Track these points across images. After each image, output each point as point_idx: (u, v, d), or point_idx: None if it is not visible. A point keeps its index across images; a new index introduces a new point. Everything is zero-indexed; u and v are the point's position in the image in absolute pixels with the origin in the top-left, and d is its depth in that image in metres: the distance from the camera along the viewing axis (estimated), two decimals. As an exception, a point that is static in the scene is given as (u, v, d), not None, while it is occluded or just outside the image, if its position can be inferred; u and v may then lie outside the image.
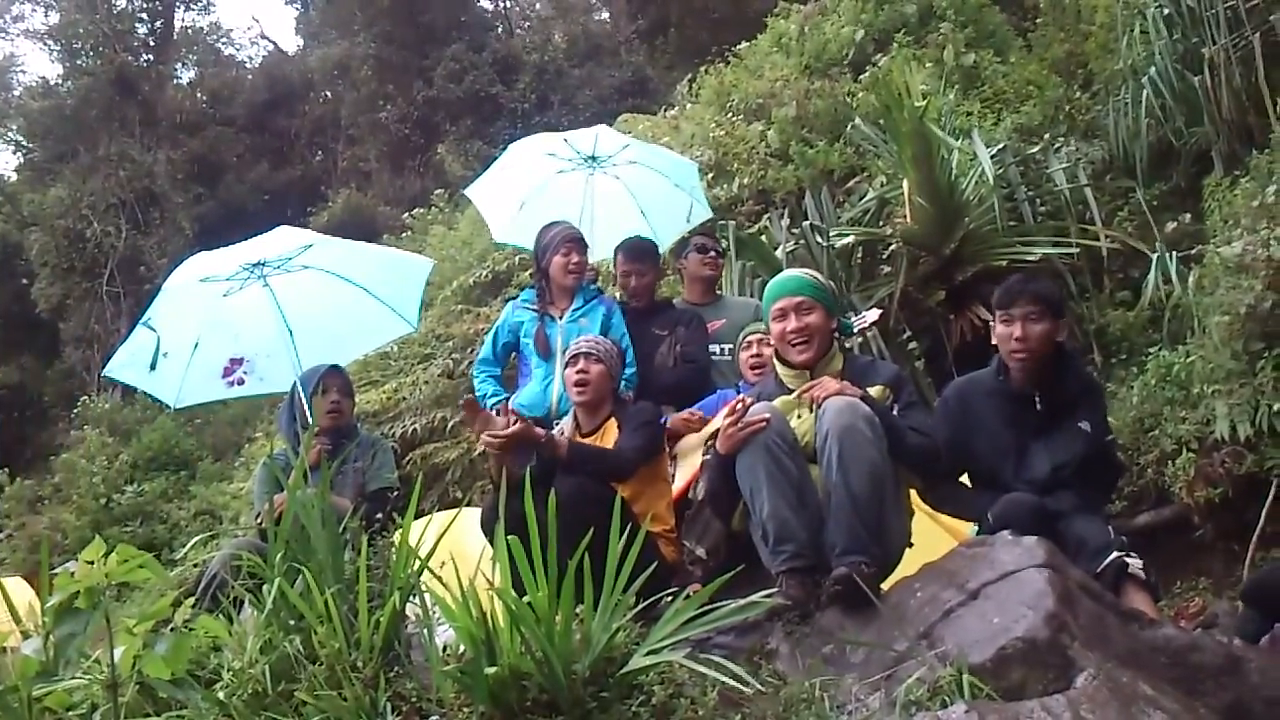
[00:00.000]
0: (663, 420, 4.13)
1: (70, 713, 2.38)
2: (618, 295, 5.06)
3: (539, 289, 4.65)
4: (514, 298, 5.13)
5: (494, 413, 3.55)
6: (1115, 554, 3.21)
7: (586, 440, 3.78)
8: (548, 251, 4.57)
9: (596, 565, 2.36)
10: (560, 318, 4.55)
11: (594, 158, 5.47)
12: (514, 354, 4.73)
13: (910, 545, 3.29)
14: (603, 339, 3.96)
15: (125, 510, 14.80)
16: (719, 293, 5.13)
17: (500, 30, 25.84)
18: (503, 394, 4.57)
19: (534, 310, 4.61)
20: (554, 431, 3.86)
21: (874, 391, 3.28)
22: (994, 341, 3.62)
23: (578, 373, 3.75)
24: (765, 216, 7.48)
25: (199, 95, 28.08)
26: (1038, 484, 3.47)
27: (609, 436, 3.74)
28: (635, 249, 4.82)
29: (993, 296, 3.70)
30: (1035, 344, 3.47)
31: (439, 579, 2.47)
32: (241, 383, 4.75)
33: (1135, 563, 3.21)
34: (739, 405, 3.15)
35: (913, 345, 5.66)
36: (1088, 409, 3.56)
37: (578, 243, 4.57)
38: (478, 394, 4.66)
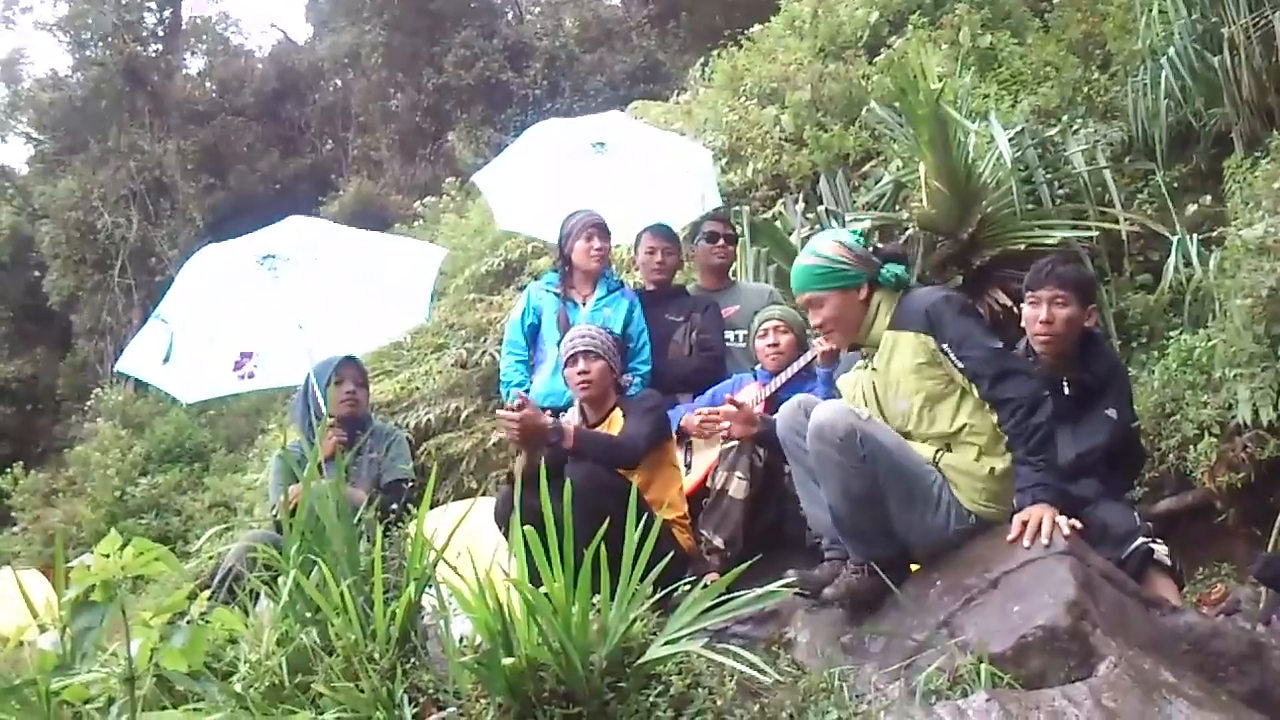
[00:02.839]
0: (671, 407, 4.12)
1: (88, 706, 2.38)
2: (636, 278, 5.02)
3: (561, 274, 4.64)
4: (525, 286, 5.12)
5: (516, 405, 3.53)
6: (1141, 540, 3.18)
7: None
8: (570, 237, 4.57)
9: (612, 555, 2.35)
10: (584, 305, 4.54)
11: (603, 144, 5.44)
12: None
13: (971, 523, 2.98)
14: (599, 331, 3.92)
15: (140, 502, 14.90)
16: (732, 279, 5.11)
17: (510, 16, 25.73)
18: (528, 383, 4.56)
19: (556, 294, 4.60)
20: (562, 421, 3.86)
21: (909, 342, 3.01)
22: (1023, 324, 3.59)
23: (579, 373, 3.79)
24: (780, 201, 7.45)
25: (208, 85, 28.09)
26: (1062, 471, 3.44)
27: (614, 427, 3.76)
28: (664, 229, 4.83)
29: (1022, 277, 3.66)
30: (1060, 328, 3.43)
31: (455, 570, 2.46)
32: (252, 376, 4.74)
33: (1160, 549, 3.19)
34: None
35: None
36: (1115, 395, 3.53)
37: (600, 228, 4.56)
38: (504, 380, 4.67)
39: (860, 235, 3.22)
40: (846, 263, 3.09)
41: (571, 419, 3.91)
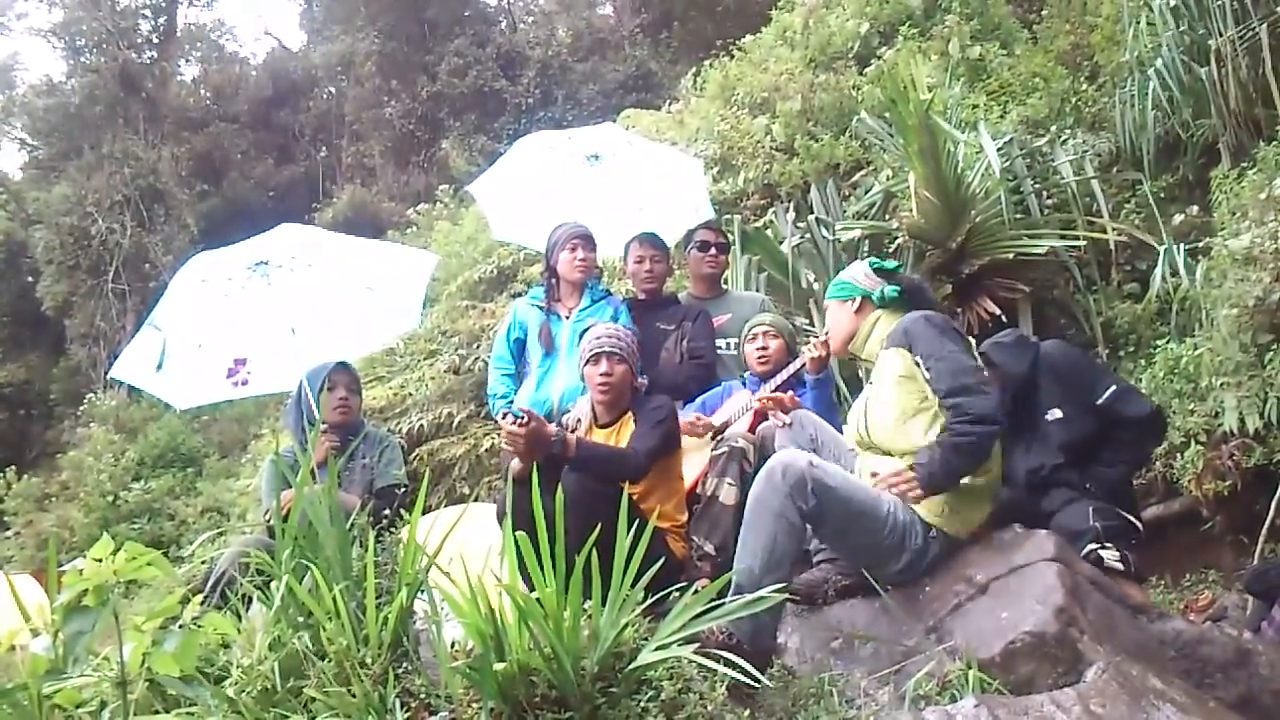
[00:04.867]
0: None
1: (80, 710, 2.38)
2: (627, 287, 5.04)
3: (548, 286, 4.67)
4: (520, 294, 5.13)
5: (522, 420, 3.45)
6: (1091, 546, 3.19)
7: (604, 431, 3.76)
8: (556, 248, 4.60)
9: (605, 561, 2.36)
10: (567, 316, 4.56)
11: (596, 155, 5.46)
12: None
13: (931, 537, 3.04)
14: (624, 331, 3.85)
15: (132, 507, 14.84)
16: (724, 287, 5.13)
17: (504, 25, 25.80)
18: (512, 395, 4.59)
19: (540, 307, 4.63)
20: (565, 420, 3.86)
21: (891, 356, 3.14)
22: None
23: (602, 374, 3.70)
24: (771, 210, 7.47)
25: (202, 92, 28.12)
26: (1020, 487, 3.46)
27: (626, 429, 3.72)
28: (652, 238, 4.83)
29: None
30: None
31: (447, 575, 2.47)
32: (245, 383, 4.72)
33: (1109, 555, 3.18)
34: None
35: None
36: (1053, 395, 3.50)
37: (585, 239, 4.58)
38: (490, 393, 4.69)
39: (895, 266, 3.44)
40: (852, 280, 3.44)
41: (581, 415, 3.86)
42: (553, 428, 3.45)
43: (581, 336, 3.97)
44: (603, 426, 3.79)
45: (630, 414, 3.76)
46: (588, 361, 3.75)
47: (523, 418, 3.34)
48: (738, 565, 2.89)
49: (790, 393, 3.91)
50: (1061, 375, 3.56)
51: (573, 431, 3.79)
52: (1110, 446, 3.49)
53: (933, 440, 3.00)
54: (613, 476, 3.39)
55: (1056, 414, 3.47)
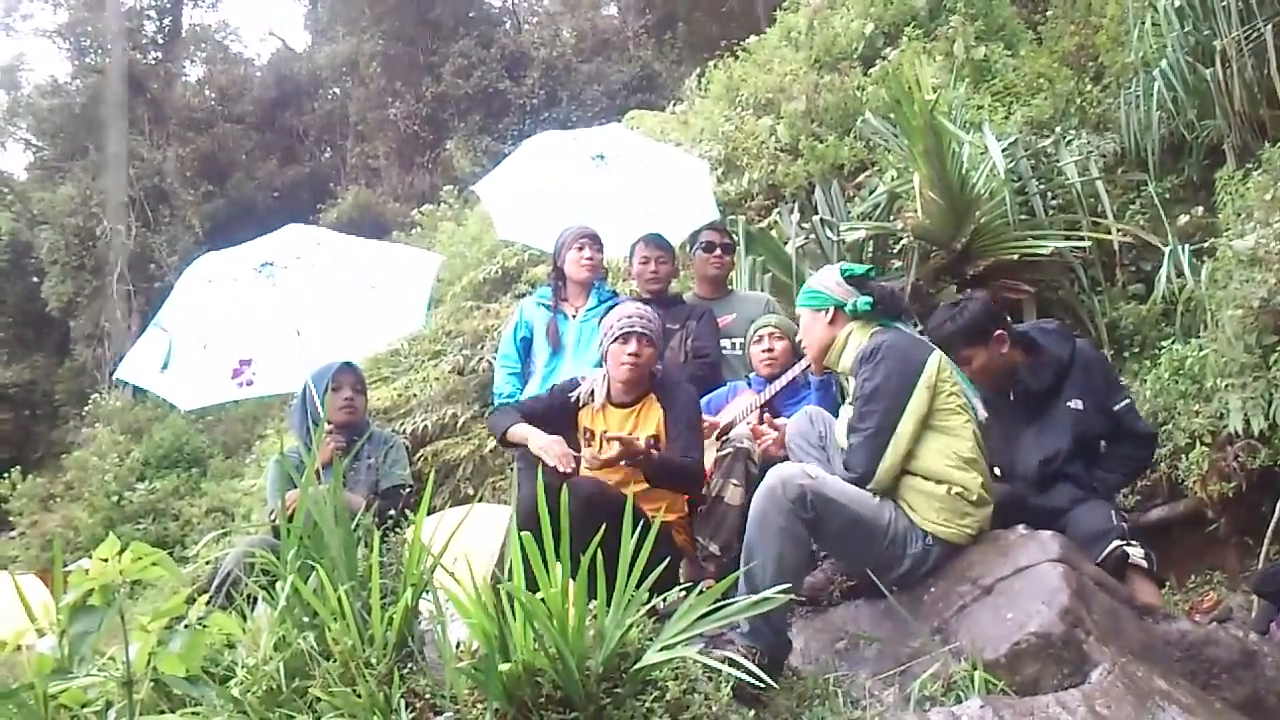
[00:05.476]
0: None
1: (85, 710, 2.39)
2: (632, 288, 5.05)
3: (555, 286, 4.69)
4: (524, 294, 5.14)
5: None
6: (1116, 543, 3.19)
7: (622, 410, 3.78)
8: (564, 248, 4.63)
9: (609, 560, 2.36)
10: (574, 315, 4.58)
11: (602, 156, 5.46)
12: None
13: (927, 544, 3.06)
14: (652, 314, 3.83)
15: (137, 508, 14.85)
16: (729, 288, 5.14)
17: (508, 26, 25.81)
18: (519, 394, 4.60)
19: (547, 306, 4.65)
20: (578, 391, 3.85)
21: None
22: None
23: (630, 354, 3.68)
24: (775, 211, 7.45)
25: (207, 92, 28.10)
26: (1030, 480, 3.46)
27: (648, 411, 3.75)
28: (658, 238, 4.85)
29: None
30: (980, 374, 3.53)
31: (452, 575, 2.47)
32: (250, 383, 4.73)
33: (1136, 551, 3.20)
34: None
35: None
36: (1078, 386, 3.52)
37: (592, 239, 4.62)
38: (496, 391, 4.71)
39: (866, 271, 3.39)
40: (824, 289, 3.35)
41: (596, 388, 3.82)
42: (639, 442, 3.46)
43: (610, 310, 3.98)
44: (619, 406, 3.78)
45: (653, 397, 3.76)
46: (615, 339, 3.73)
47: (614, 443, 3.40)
48: (744, 570, 2.89)
49: (780, 418, 3.94)
50: (1092, 372, 3.61)
51: (584, 406, 3.81)
52: (1110, 454, 3.54)
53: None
54: (683, 489, 3.53)
55: (1078, 404, 3.51)
